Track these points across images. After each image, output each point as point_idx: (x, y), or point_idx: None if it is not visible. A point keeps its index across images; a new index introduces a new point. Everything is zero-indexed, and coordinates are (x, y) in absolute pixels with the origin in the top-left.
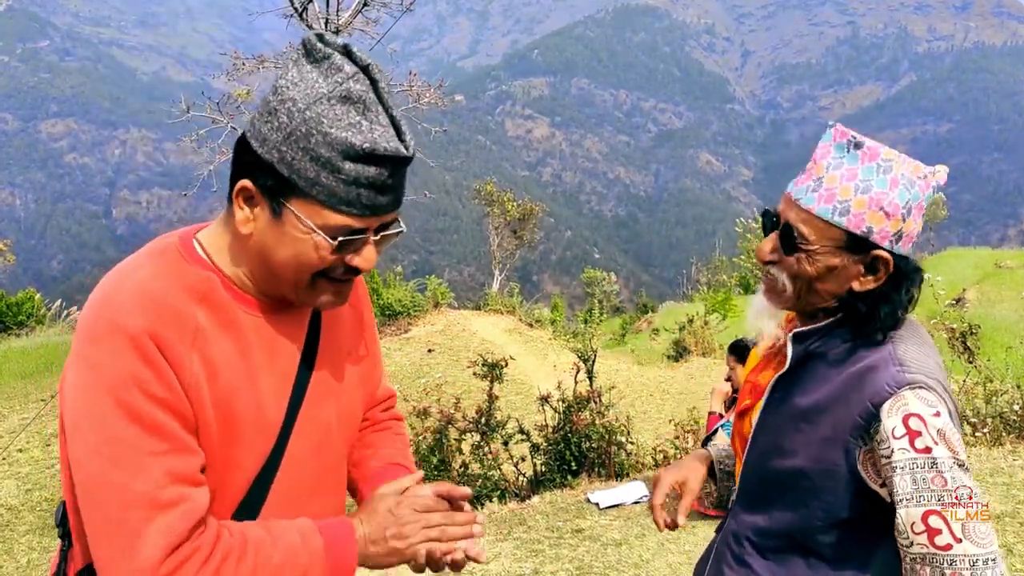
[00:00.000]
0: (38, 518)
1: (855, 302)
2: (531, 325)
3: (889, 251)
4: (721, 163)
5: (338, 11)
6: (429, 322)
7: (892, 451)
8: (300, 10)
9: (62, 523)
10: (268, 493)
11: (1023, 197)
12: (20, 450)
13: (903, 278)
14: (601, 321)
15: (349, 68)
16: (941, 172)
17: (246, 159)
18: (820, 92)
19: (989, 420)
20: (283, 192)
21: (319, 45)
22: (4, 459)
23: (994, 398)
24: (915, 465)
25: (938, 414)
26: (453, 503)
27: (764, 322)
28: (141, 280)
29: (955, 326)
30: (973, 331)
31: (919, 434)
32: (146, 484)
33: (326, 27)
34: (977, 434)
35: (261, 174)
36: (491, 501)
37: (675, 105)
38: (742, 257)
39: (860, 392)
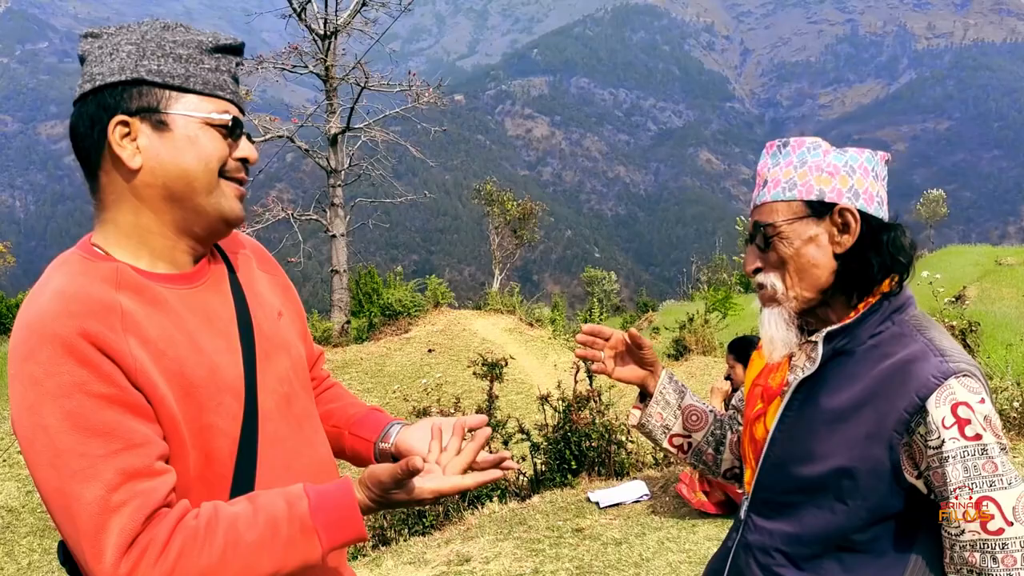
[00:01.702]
0: (39, 520)
1: (847, 266)
2: (531, 324)
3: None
4: (721, 162)
5: (336, 11)
6: (429, 322)
7: (943, 441)
8: (299, 10)
9: (67, 561)
10: (257, 454)
11: (1023, 194)
12: (20, 452)
13: (881, 230)
14: (602, 320)
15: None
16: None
17: (99, 109)
18: (820, 90)
19: None
20: (160, 102)
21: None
22: (4, 461)
23: (994, 395)
24: (966, 453)
25: (983, 400)
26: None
27: (780, 335)
28: (56, 287)
29: (955, 323)
30: (973, 328)
31: (968, 422)
32: (97, 490)
33: (325, 27)
34: None
35: (129, 102)
36: (491, 501)
37: (675, 104)
38: (742, 256)
39: (904, 385)
